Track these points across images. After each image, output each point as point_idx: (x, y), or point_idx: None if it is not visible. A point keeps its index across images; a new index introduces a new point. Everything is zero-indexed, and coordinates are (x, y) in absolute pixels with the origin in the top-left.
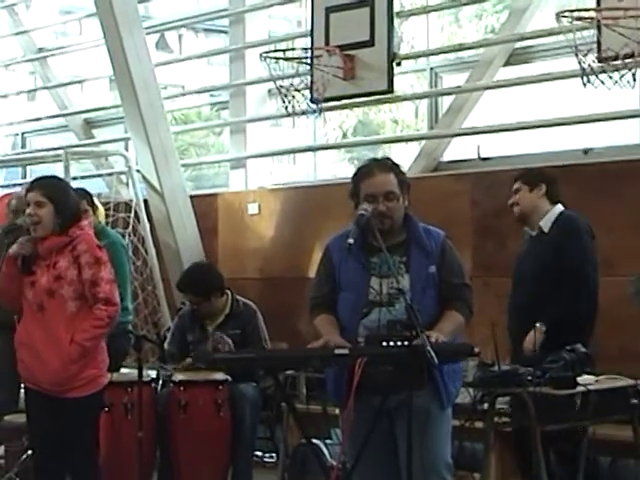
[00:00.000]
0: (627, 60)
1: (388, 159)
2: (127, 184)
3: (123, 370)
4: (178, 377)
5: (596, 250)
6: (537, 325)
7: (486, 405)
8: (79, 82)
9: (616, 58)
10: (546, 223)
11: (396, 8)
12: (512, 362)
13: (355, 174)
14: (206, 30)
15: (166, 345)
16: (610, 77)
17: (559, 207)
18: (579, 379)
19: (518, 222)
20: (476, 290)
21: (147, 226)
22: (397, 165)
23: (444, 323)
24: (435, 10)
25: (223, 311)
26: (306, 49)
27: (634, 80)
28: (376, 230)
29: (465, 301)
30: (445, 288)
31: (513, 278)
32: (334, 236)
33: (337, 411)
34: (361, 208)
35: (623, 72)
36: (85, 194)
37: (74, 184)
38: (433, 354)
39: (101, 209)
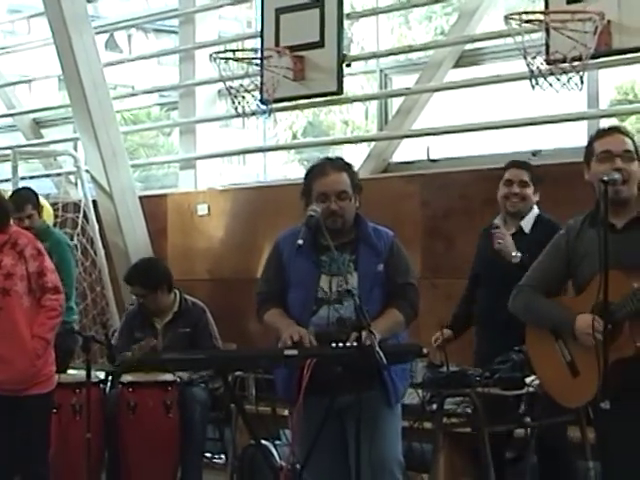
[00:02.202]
0: (575, 63)
1: (341, 159)
2: (76, 184)
3: (71, 371)
4: (127, 378)
5: None
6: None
7: (435, 406)
8: (27, 81)
9: (564, 61)
10: (527, 223)
11: (346, 9)
12: (479, 362)
13: (308, 173)
14: (156, 30)
15: (114, 342)
16: (558, 79)
17: (536, 209)
18: (527, 380)
19: (509, 215)
20: (425, 291)
21: (96, 227)
22: (350, 165)
23: (380, 320)
24: (385, 12)
25: (171, 309)
26: (256, 50)
27: (582, 83)
28: (324, 230)
29: (408, 300)
30: (390, 287)
31: (481, 274)
32: (283, 233)
33: (286, 412)
34: (310, 209)
35: (571, 75)
36: (31, 194)
37: (22, 184)
38: (382, 355)
39: (49, 209)
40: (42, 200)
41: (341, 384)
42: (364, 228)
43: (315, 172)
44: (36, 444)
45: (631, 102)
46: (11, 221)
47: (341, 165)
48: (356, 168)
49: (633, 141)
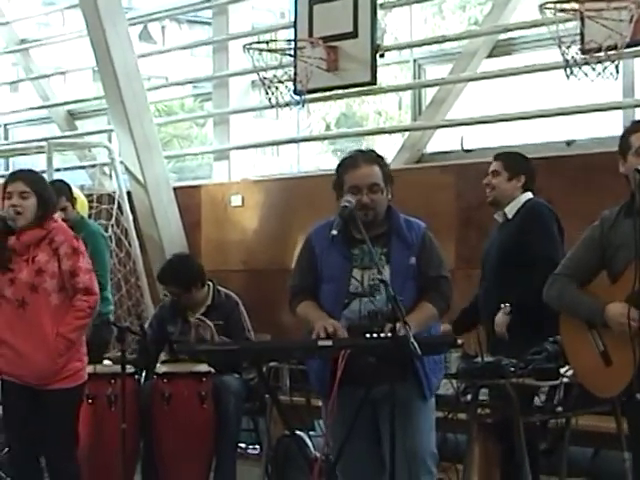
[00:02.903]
0: (610, 52)
1: (372, 151)
2: (110, 176)
3: (106, 362)
4: (161, 369)
5: (563, 237)
6: (502, 306)
7: (469, 397)
8: (62, 73)
9: (599, 50)
10: (511, 210)
11: (379, 0)
12: (489, 351)
13: (339, 165)
14: (189, 21)
15: None
16: (593, 69)
17: (527, 194)
18: (562, 370)
19: (490, 205)
20: (460, 282)
21: (130, 218)
22: (382, 157)
23: (414, 313)
24: (418, 2)
25: (205, 302)
26: (289, 41)
27: (617, 72)
28: (359, 222)
29: (441, 293)
30: (422, 280)
31: (481, 268)
32: (316, 226)
33: (320, 403)
34: (344, 200)
35: (606, 64)
36: (64, 186)
37: (57, 176)
38: (417, 346)
39: (84, 200)
40: (76, 192)
41: (375, 375)
42: (396, 220)
43: (346, 164)
44: (62, 439)
45: None
46: (55, 216)
47: (372, 157)
48: (390, 159)
49: None
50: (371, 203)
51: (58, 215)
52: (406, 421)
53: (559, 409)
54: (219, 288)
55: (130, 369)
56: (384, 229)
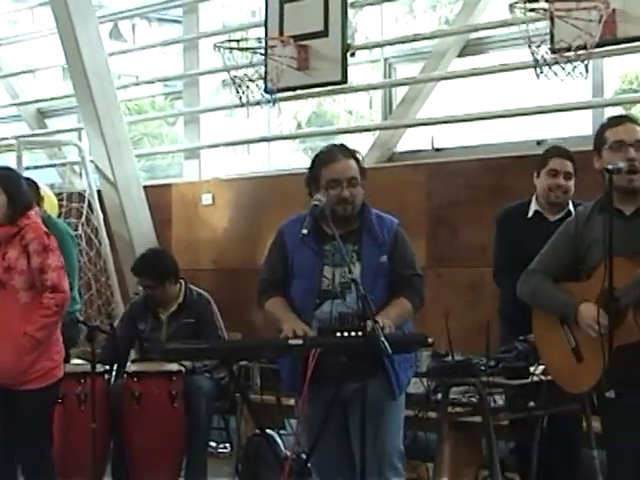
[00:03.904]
0: (580, 52)
1: (346, 146)
2: (80, 174)
3: (77, 361)
4: (132, 368)
5: None
6: None
7: (440, 395)
8: (31, 71)
9: (569, 49)
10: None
11: None
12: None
13: (315, 159)
14: (160, 20)
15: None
16: (563, 68)
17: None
18: (532, 369)
19: (552, 205)
20: (430, 280)
21: (100, 216)
22: (356, 152)
23: (391, 308)
24: (389, 1)
25: (176, 300)
26: (260, 39)
27: (586, 71)
28: (329, 219)
29: (416, 290)
30: (396, 278)
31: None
32: (287, 221)
33: (291, 401)
34: (315, 198)
35: (576, 63)
36: (32, 185)
37: (27, 174)
38: (387, 344)
39: (53, 199)
40: (45, 190)
41: (345, 374)
42: (368, 217)
43: (324, 158)
44: (36, 439)
45: (636, 91)
46: (30, 212)
47: (349, 151)
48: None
49: None
50: (350, 197)
51: (35, 212)
52: (374, 419)
53: (530, 406)
54: (191, 287)
55: (100, 368)
56: (356, 226)
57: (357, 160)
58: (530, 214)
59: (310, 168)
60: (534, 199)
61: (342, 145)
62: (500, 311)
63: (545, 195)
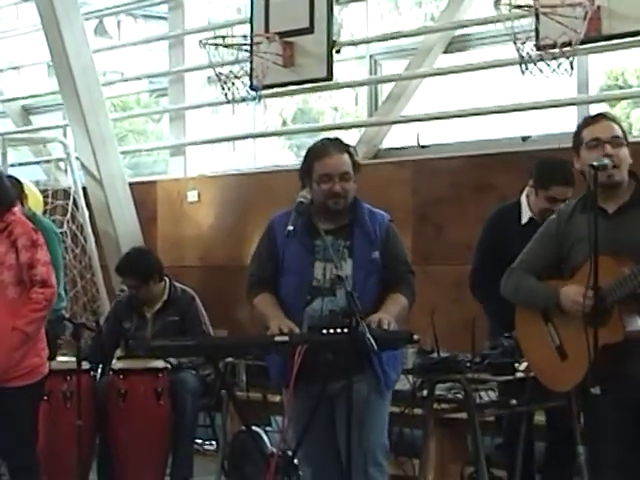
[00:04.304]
0: (565, 48)
1: (339, 139)
2: (65, 171)
3: (62, 358)
4: (117, 365)
5: None
6: None
7: (425, 392)
8: (16, 68)
9: (554, 46)
10: None
11: None
12: None
13: (308, 153)
14: (145, 16)
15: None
16: (548, 65)
17: None
18: (517, 365)
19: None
20: (416, 278)
21: (86, 213)
22: (349, 146)
23: (391, 305)
24: None
25: (161, 297)
26: (245, 36)
27: (571, 68)
28: (315, 216)
29: (410, 287)
30: (390, 274)
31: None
32: (278, 214)
33: (277, 398)
34: (300, 195)
35: (561, 60)
36: (15, 182)
37: (12, 171)
38: (373, 341)
39: (38, 196)
40: (30, 187)
41: (332, 371)
42: (360, 212)
43: (317, 153)
44: (21, 436)
45: (621, 87)
46: (14, 209)
47: (342, 146)
48: None
49: (621, 127)
50: (342, 191)
51: (18, 209)
52: (360, 416)
53: (514, 403)
54: (175, 284)
55: (86, 365)
56: (347, 220)
57: (350, 155)
58: (524, 220)
59: (303, 162)
60: (526, 204)
61: (336, 139)
62: (486, 309)
63: (540, 214)
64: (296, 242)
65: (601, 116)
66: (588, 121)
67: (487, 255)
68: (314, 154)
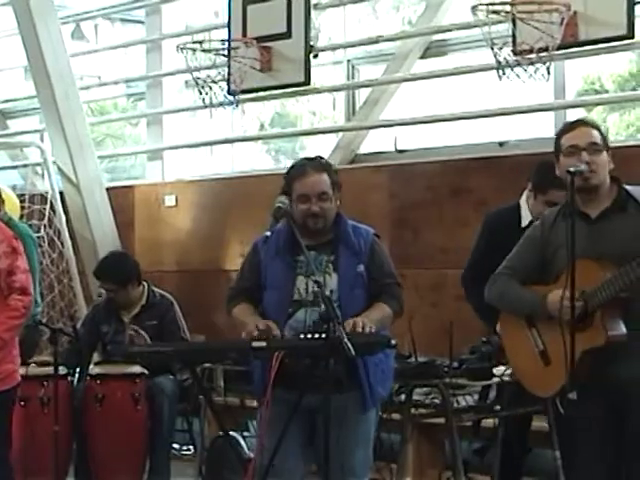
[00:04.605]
0: (541, 54)
1: (321, 158)
2: (42, 176)
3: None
4: (95, 370)
5: None
6: None
7: (403, 397)
8: None
9: (531, 51)
10: None
11: (313, 0)
12: None
13: (287, 173)
14: (122, 20)
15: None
16: (525, 70)
17: None
18: (495, 370)
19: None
20: (402, 289)
21: (63, 218)
22: (330, 164)
23: (372, 311)
24: (352, 2)
25: (139, 302)
26: (223, 41)
27: (548, 73)
28: (296, 230)
29: (396, 298)
30: (376, 287)
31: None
32: (263, 235)
33: (255, 403)
34: (278, 200)
35: (537, 65)
36: None
37: None
38: (350, 346)
39: (15, 201)
40: (6, 192)
41: (310, 380)
42: (344, 227)
43: (295, 173)
44: None
45: (597, 92)
46: None
47: (321, 165)
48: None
49: (600, 132)
50: (320, 211)
51: None
52: (342, 433)
53: (495, 408)
54: (153, 288)
55: (63, 370)
56: (331, 236)
57: (330, 173)
58: (524, 223)
59: (285, 180)
60: (526, 207)
61: (316, 158)
62: (479, 309)
63: (538, 218)
64: (279, 258)
65: (580, 122)
66: (566, 128)
67: (484, 256)
68: (294, 174)
